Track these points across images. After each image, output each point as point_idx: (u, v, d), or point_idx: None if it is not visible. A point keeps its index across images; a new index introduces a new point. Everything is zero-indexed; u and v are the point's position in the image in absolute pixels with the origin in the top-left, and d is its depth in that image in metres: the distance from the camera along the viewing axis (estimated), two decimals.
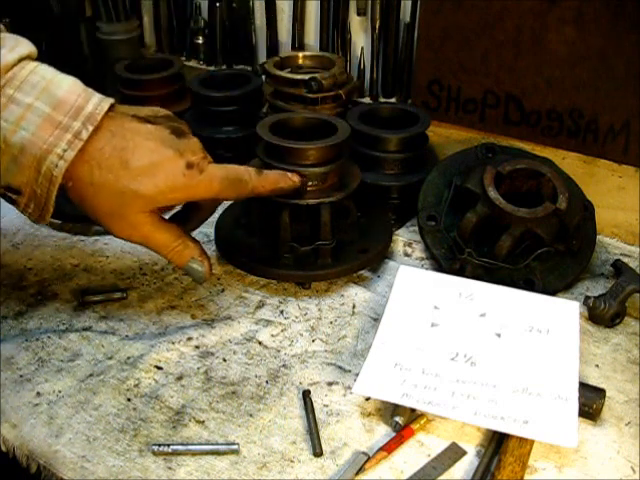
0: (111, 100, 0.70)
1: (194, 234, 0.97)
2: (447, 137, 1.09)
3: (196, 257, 0.75)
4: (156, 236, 0.73)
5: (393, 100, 1.19)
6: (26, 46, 0.68)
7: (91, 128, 0.67)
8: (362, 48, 1.19)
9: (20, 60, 0.67)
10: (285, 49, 1.28)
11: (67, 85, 0.68)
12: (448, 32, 1.04)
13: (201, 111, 1.11)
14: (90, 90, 0.69)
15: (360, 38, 1.21)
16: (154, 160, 0.69)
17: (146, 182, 0.69)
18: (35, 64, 0.68)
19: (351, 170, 0.89)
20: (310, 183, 0.83)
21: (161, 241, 0.74)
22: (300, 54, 1.16)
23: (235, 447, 0.65)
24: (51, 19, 1.33)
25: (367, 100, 1.20)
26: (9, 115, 0.65)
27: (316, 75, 1.04)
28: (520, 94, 1.02)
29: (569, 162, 0.99)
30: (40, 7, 1.31)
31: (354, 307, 0.84)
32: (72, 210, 0.96)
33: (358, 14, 1.17)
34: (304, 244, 0.85)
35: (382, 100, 1.20)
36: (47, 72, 0.68)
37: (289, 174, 0.80)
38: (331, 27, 1.21)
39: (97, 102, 0.68)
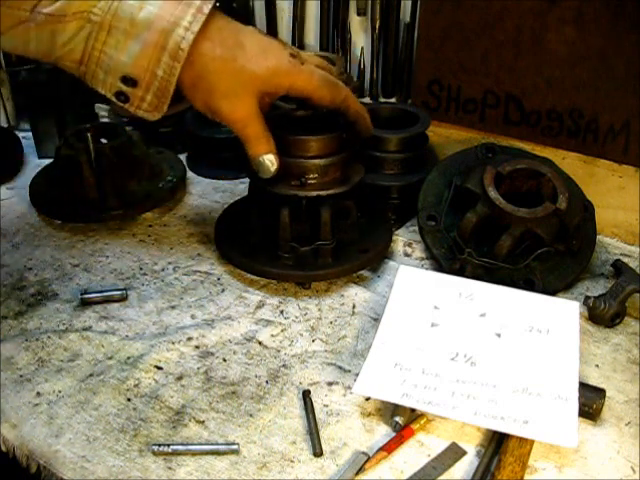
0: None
1: (194, 234, 0.97)
2: (447, 137, 1.09)
3: (274, 153, 0.78)
4: (256, 121, 0.76)
5: (393, 100, 1.19)
6: None
7: (210, 5, 0.71)
8: (362, 48, 1.19)
9: None
10: None
11: None
12: (448, 32, 1.04)
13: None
14: None
15: (360, 38, 1.21)
16: (264, 46, 0.75)
17: (260, 63, 0.73)
18: None
19: (354, 166, 0.89)
20: (311, 176, 0.83)
21: (257, 127, 0.76)
22: None
23: (235, 447, 0.65)
24: None
25: (367, 100, 1.20)
26: None
27: None
28: (520, 94, 1.02)
29: (569, 162, 0.99)
30: None
31: (354, 307, 0.84)
32: (73, 210, 0.97)
33: (358, 14, 1.18)
34: (304, 244, 0.85)
35: (382, 100, 1.20)
36: None
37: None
38: (331, 27, 1.21)
39: None
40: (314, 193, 0.82)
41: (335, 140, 0.83)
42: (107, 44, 0.69)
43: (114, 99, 0.73)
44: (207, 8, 0.70)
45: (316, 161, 0.82)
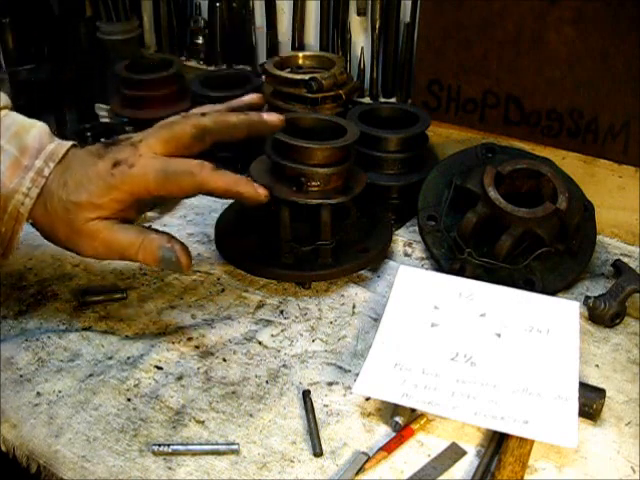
0: (71, 143, 0.75)
1: (194, 234, 0.97)
2: (447, 137, 1.09)
3: (165, 244, 0.72)
4: (117, 237, 0.72)
5: (393, 100, 1.19)
6: (4, 99, 0.75)
7: (52, 165, 0.72)
8: (362, 48, 1.19)
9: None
10: (285, 49, 1.28)
11: (35, 130, 0.74)
12: (448, 32, 1.04)
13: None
14: (54, 137, 0.75)
15: (360, 38, 1.21)
16: (85, 172, 0.72)
17: (81, 191, 0.71)
18: (9, 112, 0.75)
19: (357, 176, 0.89)
20: (313, 183, 0.83)
21: (124, 241, 0.72)
22: (300, 54, 1.16)
23: (235, 447, 0.65)
24: (51, 19, 1.33)
25: (367, 100, 1.20)
26: None
27: (316, 75, 1.05)
28: (520, 94, 1.02)
29: (569, 162, 0.99)
30: (40, 7, 1.31)
31: (354, 307, 0.84)
32: None
33: (358, 14, 1.18)
34: (304, 244, 0.85)
35: (382, 100, 1.20)
36: (19, 117, 0.75)
37: (257, 186, 0.76)
38: (331, 27, 1.21)
39: (59, 142, 0.74)
40: (315, 201, 0.83)
41: (340, 150, 0.84)
42: None
43: None
44: (48, 170, 0.72)
45: (320, 169, 0.83)
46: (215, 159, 0.94)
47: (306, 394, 0.71)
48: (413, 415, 0.69)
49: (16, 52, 1.25)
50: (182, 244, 0.74)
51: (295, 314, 0.83)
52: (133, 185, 0.71)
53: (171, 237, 0.74)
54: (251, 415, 0.69)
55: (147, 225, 0.99)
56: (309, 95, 1.04)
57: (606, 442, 0.67)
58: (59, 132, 1.12)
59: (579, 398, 0.67)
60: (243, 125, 0.76)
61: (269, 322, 0.82)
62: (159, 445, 0.65)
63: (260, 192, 0.76)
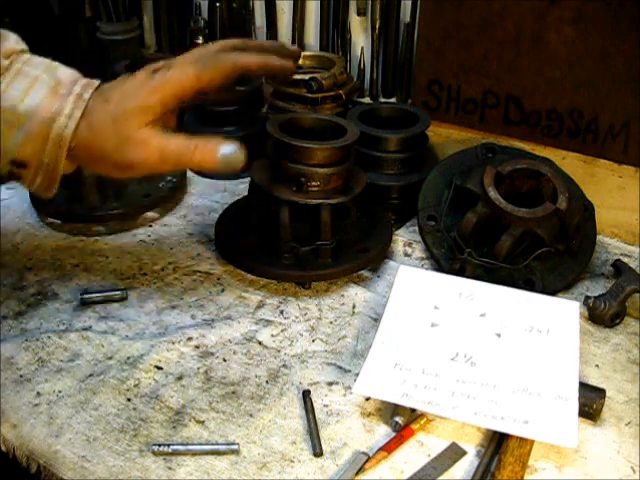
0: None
1: (194, 234, 0.97)
2: (447, 137, 1.09)
3: (222, 141, 0.71)
4: (171, 142, 0.71)
5: (393, 100, 1.19)
6: (24, 44, 0.74)
7: (90, 90, 0.71)
8: (362, 48, 1.19)
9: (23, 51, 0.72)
10: None
11: (65, 68, 0.73)
12: (448, 32, 1.04)
13: (201, 111, 1.11)
14: None
15: (360, 38, 1.21)
16: (126, 84, 0.72)
17: (127, 99, 0.71)
18: (32, 55, 0.73)
19: (357, 176, 0.89)
20: (313, 183, 0.83)
21: (179, 145, 0.71)
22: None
23: (235, 447, 0.65)
24: (51, 19, 1.33)
25: (367, 100, 1.20)
26: (19, 85, 0.69)
27: (316, 75, 1.05)
28: (520, 94, 1.02)
29: (569, 162, 0.99)
30: (40, 7, 1.31)
31: (354, 307, 0.84)
32: (73, 210, 0.97)
33: (358, 14, 1.18)
34: (304, 244, 0.85)
35: (382, 100, 1.20)
36: (45, 59, 0.73)
37: (286, 60, 0.76)
38: (331, 27, 1.21)
39: (90, 78, 0.73)
40: (315, 201, 0.83)
41: (340, 150, 0.84)
42: None
43: (8, 177, 0.73)
44: (87, 95, 0.71)
45: (320, 169, 0.83)
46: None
47: (306, 394, 0.71)
48: (413, 415, 0.69)
49: None
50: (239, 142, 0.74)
51: (295, 314, 0.83)
52: (175, 83, 0.72)
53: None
54: (251, 415, 0.69)
55: (147, 225, 0.99)
56: (309, 95, 1.04)
57: (606, 442, 0.67)
58: None
59: (579, 398, 0.67)
60: (267, 65, 0.76)
61: (269, 322, 0.82)
62: (159, 445, 0.65)
63: (287, 65, 0.76)
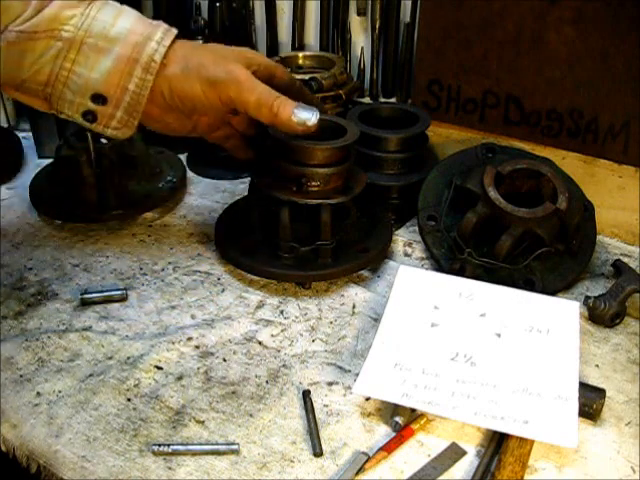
0: None
1: (194, 234, 0.97)
2: (447, 137, 1.09)
3: (304, 105, 0.76)
4: (260, 85, 0.75)
5: (393, 100, 1.19)
6: None
7: (175, 30, 0.74)
8: (362, 48, 1.19)
9: None
10: (285, 49, 1.28)
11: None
12: (448, 32, 1.04)
13: None
14: None
15: (360, 38, 1.21)
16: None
17: (234, 48, 0.78)
18: None
19: (357, 176, 0.89)
20: (313, 183, 0.83)
21: (266, 88, 0.75)
22: (300, 54, 1.16)
23: (235, 447, 0.65)
24: None
25: (367, 100, 1.20)
26: (107, 13, 0.71)
27: (316, 75, 1.05)
28: (520, 94, 1.02)
29: (569, 162, 0.99)
30: None
31: (354, 307, 0.84)
32: (73, 210, 0.97)
33: (358, 14, 1.18)
34: (304, 244, 0.85)
35: (382, 100, 1.20)
36: None
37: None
38: (331, 27, 1.21)
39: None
40: (315, 201, 0.83)
41: (340, 150, 0.84)
42: (77, 62, 0.70)
43: (80, 120, 0.74)
44: (175, 30, 0.75)
45: (320, 169, 0.82)
46: (216, 158, 0.94)
47: (306, 394, 0.71)
48: (413, 415, 0.69)
49: None
50: None
51: (295, 314, 0.83)
52: (262, 56, 0.81)
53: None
54: (251, 415, 0.69)
55: (147, 225, 0.99)
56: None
57: (606, 442, 0.67)
58: (60, 133, 1.12)
59: (579, 398, 0.67)
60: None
61: (269, 322, 0.82)
62: (159, 445, 0.65)
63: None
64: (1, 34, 0.68)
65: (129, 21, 0.72)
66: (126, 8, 0.74)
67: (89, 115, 0.73)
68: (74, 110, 0.73)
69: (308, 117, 0.75)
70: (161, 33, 0.73)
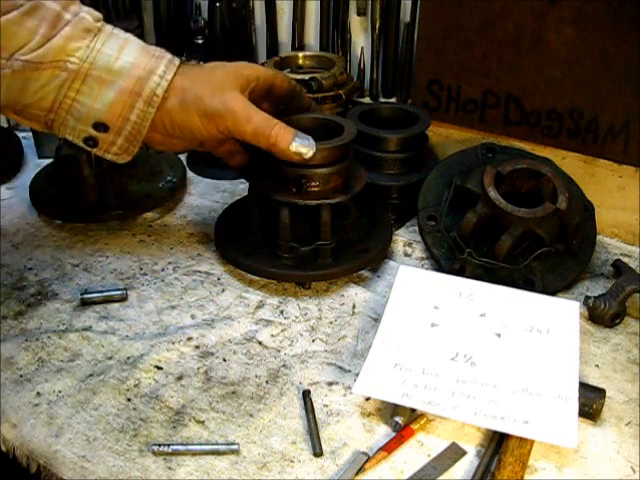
0: None
1: (194, 234, 0.97)
2: (447, 137, 1.09)
3: (300, 133, 0.78)
4: (256, 113, 0.77)
5: (393, 100, 1.19)
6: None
7: (177, 61, 0.76)
8: (362, 48, 1.19)
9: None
10: (285, 49, 1.28)
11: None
12: (448, 32, 1.04)
13: None
14: None
15: (360, 38, 1.21)
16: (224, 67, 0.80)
17: (222, 66, 0.79)
18: None
19: (357, 173, 0.89)
20: (312, 183, 0.83)
21: (264, 117, 0.77)
22: (300, 54, 1.16)
23: (235, 447, 0.65)
24: None
25: (367, 100, 1.20)
26: (112, 46, 0.72)
27: (316, 75, 1.05)
28: (520, 94, 1.02)
29: (569, 162, 0.99)
30: None
31: (354, 307, 0.84)
32: (73, 210, 0.97)
33: (358, 14, 1.18)
34: (304, 244, 0.85)
35: (382, 100, 1.20)
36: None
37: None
38: (331, 27, 1.21)
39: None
40: (315, 202, 0.83)
41: (338, 149, 0.83)
42: (81, 92, 0.72)
43: (82, 144, 0.76)
44: (177, 61, 0.76)
45: (319, 170, 0.82)
46: (215, 158, 0.94)
47: (306, 394, 0.71)
48: (413, 415, 0.69)
49: None
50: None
51: (295, 314, 0.83)
52: (263, 69, 0.83)
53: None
54: (251, 415, 0.69)
55: (147, 225, 0.99)
56: (309, 95, 1.04)
57: (606, 442, 0.67)
58: None
59: (579, 398, 0.67)
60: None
61: (269, 322, 0.82)
62: (159, 445, 0.65)
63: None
64: (7, 61, 0.69)
65: (133, 54, 0.73)
66: (131, 38, 0.75)
67: (90, 141, 0.75)
68: (75, 135, 0.75)
69: (305, 150, 0.78)
70: (164, 66, 0.74)
